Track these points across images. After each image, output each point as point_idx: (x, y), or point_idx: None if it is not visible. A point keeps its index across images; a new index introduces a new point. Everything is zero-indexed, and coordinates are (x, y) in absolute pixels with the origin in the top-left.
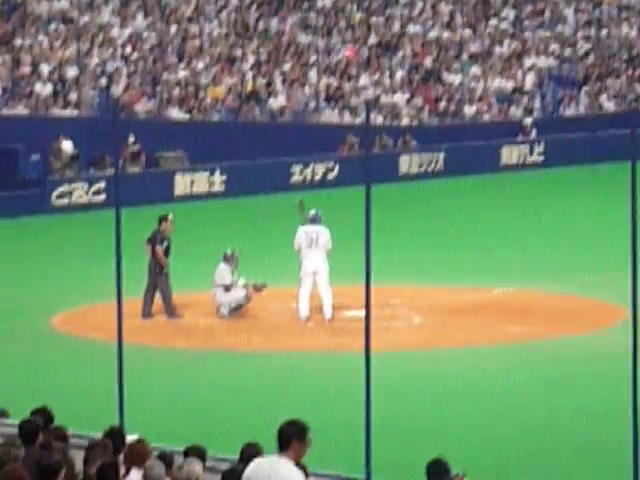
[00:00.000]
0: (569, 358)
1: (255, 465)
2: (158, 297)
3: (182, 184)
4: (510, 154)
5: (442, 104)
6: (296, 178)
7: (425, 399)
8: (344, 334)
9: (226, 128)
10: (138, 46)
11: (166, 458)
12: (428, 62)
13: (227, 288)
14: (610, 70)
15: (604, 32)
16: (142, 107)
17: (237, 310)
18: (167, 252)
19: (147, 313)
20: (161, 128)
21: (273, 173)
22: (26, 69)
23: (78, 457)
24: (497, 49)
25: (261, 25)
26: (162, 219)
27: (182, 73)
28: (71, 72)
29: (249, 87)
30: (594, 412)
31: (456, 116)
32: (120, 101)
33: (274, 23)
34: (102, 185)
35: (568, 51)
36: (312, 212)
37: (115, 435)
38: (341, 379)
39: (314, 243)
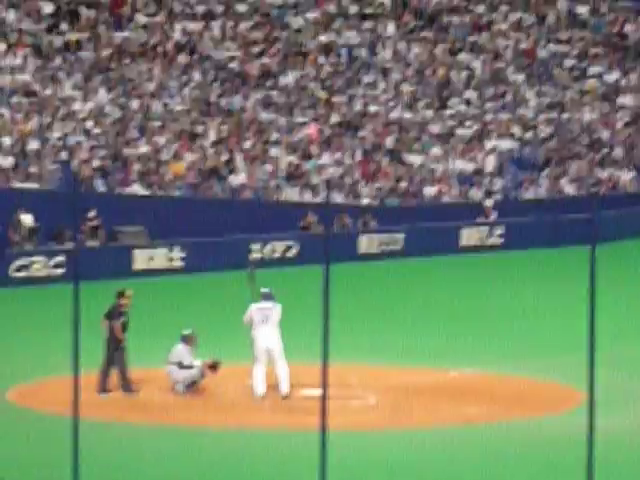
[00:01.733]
0: (524, 441)
1: None
2: (114, 372)
3: (141, 259)
4: (470, 236)
5: (403, 184)
6: (255, 256)
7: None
8: (300, 413)
9: (186, 204)
10: (100, 120)
11: None
12: (389, 142)
13: (181, 365)
14: (571, 154)
15: (565, 116)
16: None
17: (192, 386)
18: (124, 327)
19: (103, 389)
20: (121, 203)
21: (232, 250)
22: None
23: None
24: (459, 131)
25: (223, 102)
26: (120, 294)
27: (143, 148)
28: (32, 145)
29: (210, 163)
30: None
31: (417, 197)
32: (80, 175)
33: (236, 100)
34: (61, 259)
35: (529, 134)
36: (264, 290)
37: None
38: (296, 458)
39: (267, 320)
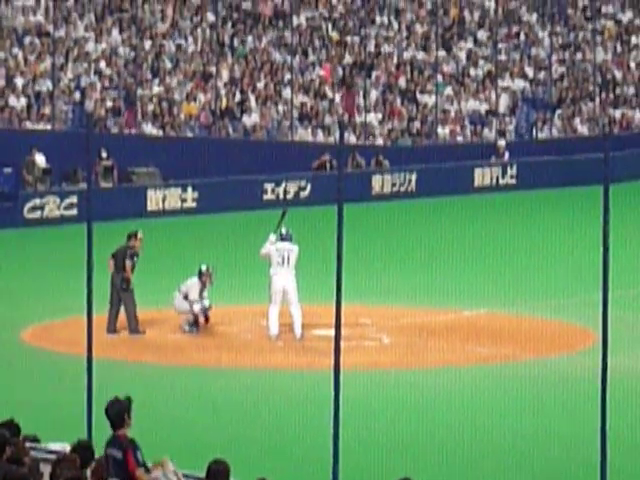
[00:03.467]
0: (538, 380)
1: None
2: (122, 312)
3: (154, 200)
4: (483, 176)
5: (415, 125)
6: (268, 196)
7: (393, 418)
8: (314, 353)
9: (199, 144)
10: (113, 61)
11: None
12: (402, 82)
13: (186, 297)
14: (584, 94)
15: (579, 56)
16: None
17: (195, 324)
18: (133, 269)
19: (112, 329)
20: (134, 143)
21: (245, 190)
22: (0, 82)
23: (45, 471)
24: (471, 71)
25: (236, 42)
26: (131, 235)
27: (156, 89)
28: (45, 86)
29: (223, 104)
30: (561, 434)
31: (429, 137)
32: (93, 116)
33: (249, 41)
34: (74, 199)
35: (542, 74)
36: (284, 230)
37: (83, 449)
38: (310, 397)
39: (285, 261)
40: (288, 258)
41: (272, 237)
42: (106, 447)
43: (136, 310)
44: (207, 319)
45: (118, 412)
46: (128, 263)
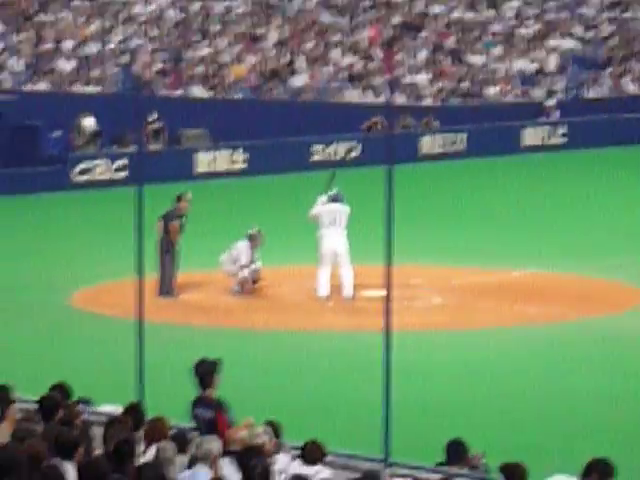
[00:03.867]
0: (588, 340)
1: None
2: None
3: (204, 162)
4: (532, 136)
5: (465, 85)
6: (317, 157)
7: (444, 380)
8: (364, 314)
9: (248, 106)
10: (161, 23)
11: (183, 436)
12: (451, 43)
13: (235, 260)
14: (633, 53)
15: (628, 14)
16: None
17: (245, 286)
18: (181, 230)
19: (164, 291)
20: (183, 106)
21: (294, 152)
22: (49, 45)
23: (97, 433)
24: (520, 30)
25: (284, 4)
26: (180, 197)
27: (205, 51)
28: (94, 49)
29: (271, 65)
30: (613, 395)
31: (478, 97)
32: (142, 78)
33: (297, 2)
34: (124, 162)
35: (591, 33)
36: (334, 191)
37: (134, 411)
38: (360, 359)
39: (337, 222)
40: (339, 219)
41: (322, 198)
42: (193, 407)
43: (176, 273)
44: (255, 281)
45: (207, 371)
46: (173, 224)
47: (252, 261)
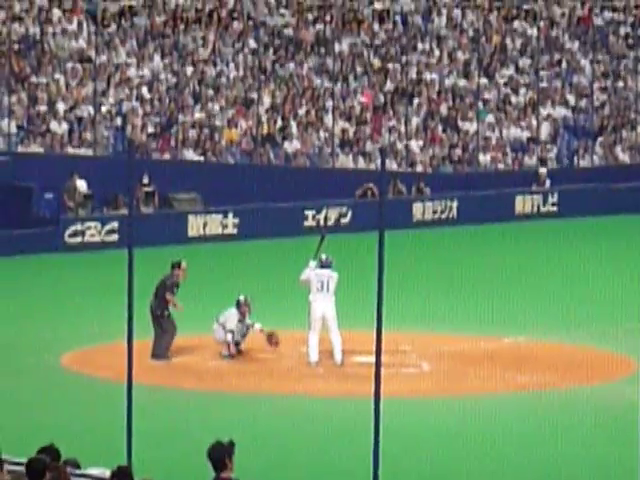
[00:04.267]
0: (579, 409)
1: None
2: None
3: (195, 226)
4: (524, 203)
5: (457, 152)
6: (309, 223)
7: (434, 446)
8: (354, 380)
9: (240, 171)
10: (154, 87)
11: None
12: (444, 109)
13: (224, 328)
14: (626, 122)
15: (620, 84)
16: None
17: (237, 347)
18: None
19: (156, 355)
20: (175, 169)
21: (286, 217)
22: (42, 107)
23: None
24: (513, 98)
25: (278, 69)
26: (175, 265)
27: (197, 115)
28: (87, 111)
29: (264, 130)
30: (603, 464)
31: (471, 164)
32: (135, 142)
33: (291, 67)
34: (115, 225)
35: (584, 102)
36: (324, 256)
37: (122, 475)
38: (350, 425)
39: (324, 288)
40: (328, 284)
41: (312, 263)
42: None
43: (172, 339)
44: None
45: (220, 455)
46: (169, 296)
47: (244, 324)
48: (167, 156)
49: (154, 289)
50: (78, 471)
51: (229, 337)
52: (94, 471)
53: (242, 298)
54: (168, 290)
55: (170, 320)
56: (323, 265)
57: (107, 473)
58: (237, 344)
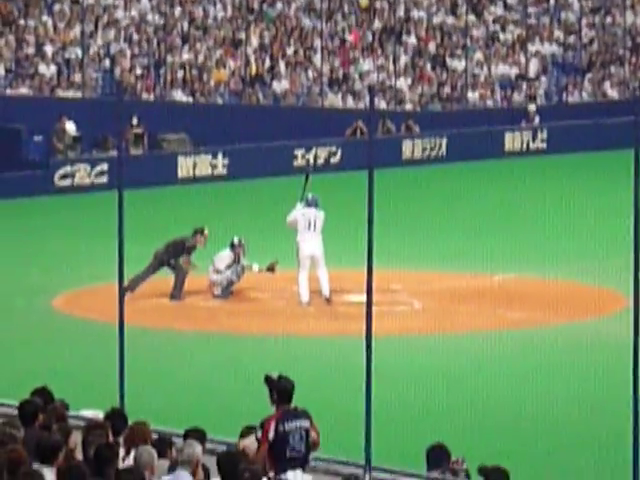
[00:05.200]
0: (569, 345)
1: None
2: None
3: (185, 167)
4: (513, 140)
5: (445, 90)
6: (299, 162)
7: (426, 385)
8: (345, 318)
9: (229, 111)
10: (142, 28)
11: (165, 441)
12: (432, 47)
13: (219, 272)
14: (614, 58)
15: (609, 19)
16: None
17: (230, 287)
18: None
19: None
20: (164, 110)
21: (276, 156)
22: (30, 50)
23: (78, 438)
24: (501, 35)
25: (265, 8)
26: (197, 231)
27: (186, 56)
28: (75, 53)
29: (252, 70)
30: (593, 400)
31: (459, 102)
32: (123, 83)
33: (278, 7)
34: (105, 167)
35: (572, 38)
36: (310, 195)
37: (116, 416)
38: (342, 363)
39: (312, 226)
40: (315, 223)
41: (298, 205)
42: (289, 421)
43: (185, 281)
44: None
45: (292, 388)
46: (185, 258)
47: (232, 265)
48: (148, 95)
49: (168, 241)
50: (72, 412)
51: (216, 277)
52: (88, 413)
53: (236, 240)
54: (186, 252)
55: (178, 264)
56: (309, 204)
57: (100, 415)
58: (231, 284)
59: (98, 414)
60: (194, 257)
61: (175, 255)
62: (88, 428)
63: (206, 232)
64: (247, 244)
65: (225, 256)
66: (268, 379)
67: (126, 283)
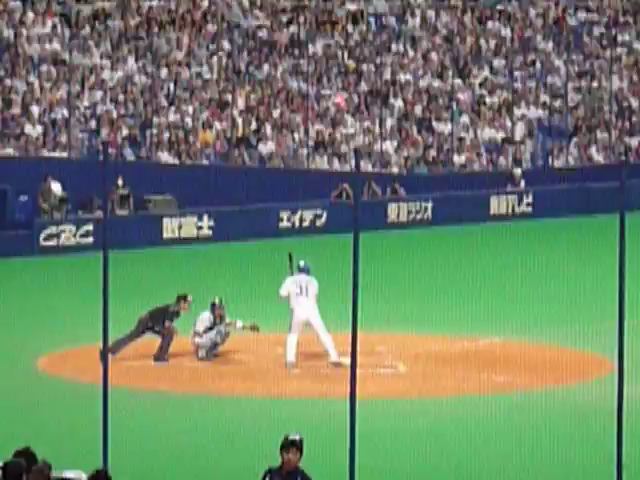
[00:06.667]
0: (554, 409)
1: None
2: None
3: (170, 228)
4: (499, 204)
5: (431, 153)
6: (284, 224)
7: (410, 448)
8: (330, 380)
9: (215, 172)
10: (129, 89)
11: None
12: (418, 111)
13: (198, 334)
14: (600, 122)
15: (594, 84)
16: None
17: (214, 349)
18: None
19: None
20: (150, 172)
21: (261, 219)
22: (16, 110)
23: None
24: (487, 99)
25: (252, 70)
26: (181, 298)
27: (172, 117)
28: (61, 114)
29: (239, 132)
30: (578, 464)
31: (445, 165)
32: (109, 144)
33: (265, 69)
34: (90, 228)
35: (558, 102)
36: (301, 263)
37: (100, 478)
38: (326, 426)
39: (304, 292)
40: (307, 288)
41: (288, 279)
42: None
43: (171, 343)
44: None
45: None
46: (168, 324)
47: (214, 327)
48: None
49: (152, 308)
50: (55, 474)
51: (198, 340)
52: (70, 474)
53: (217, 300)
54: (168, 318)
55: (164, 327)
56: (301, 270)
57: (84, 476)
58: (215, 345)
59: (81, 475)
60: (176, 322)
61: (159, 321)
62: None
63: (189, 298)
64: (228, 305)
65: (205, 318)
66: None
67: (109, 345)
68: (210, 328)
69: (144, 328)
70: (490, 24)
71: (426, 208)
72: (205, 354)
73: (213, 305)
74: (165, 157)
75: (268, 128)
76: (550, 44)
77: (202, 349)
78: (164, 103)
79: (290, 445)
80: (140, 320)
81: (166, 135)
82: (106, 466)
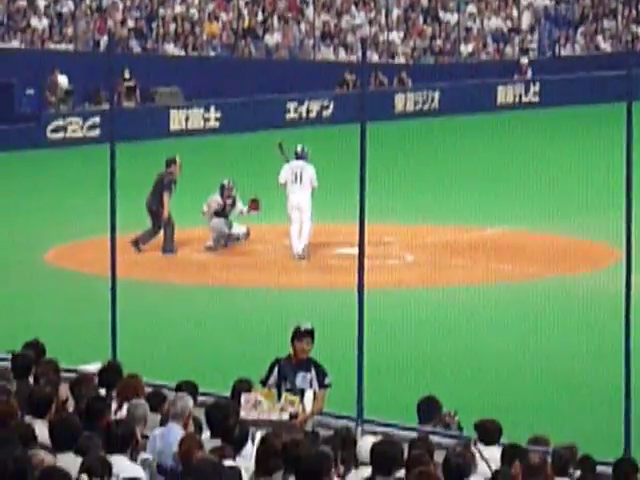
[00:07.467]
0: (562, 298)
1: None
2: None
3: (177, 120)
4: (506, 93)
5: (438, 43)
6: (291, 115)
7: (418, 338)
8: (337, 271)
9: (221, 64)
10: None
11: (158, 395)
12: (424, 1)
13: (217, 214)
14: (607, 11)
15: None
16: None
17: (220, 240)
18: (170, 195)
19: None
20: (156, 63)
21: (268, 110)
22: (22, 3)
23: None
24: None
25: None
26: (170, 162)
27: (178, 9)
28: (67, 6)
29: (245, 23)
30: (586, 352)
31: (452, 55)
32: (116, 36)
33: None
34: (97, 120)
35: None
36: (298, 147)
37: (110, 370)
38: (334, 316)
39: (298, 179)
40: (301, 175)
41: (285, 166)
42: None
43: (174, 232)
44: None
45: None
46: (166, 195)
47: (222, 213)
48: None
49: (152, 187)
50: (72, 366)
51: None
52: (90, 367)
53: (226, 181)
54: (166, 189)
55: (170, 221)
56: (298, 157)
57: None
58: (222, 236)
59: (98, 367)
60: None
61: (159, 198)
62: (77, 381)
63: (178, 160)
64: (234, 187)
65: (214, 200)
66: None
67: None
68: (220, 213)
69: (156, 213)
70: None
71: (433, 98)
72: (212, 244)
73: (222, 187)
74: (171, 49)
75: (274, 19)
76: None
77: (211, 238)
78: None
79: (305, 334)
80: (149, 207)
81: (172, 27)
82: (114, 357)
